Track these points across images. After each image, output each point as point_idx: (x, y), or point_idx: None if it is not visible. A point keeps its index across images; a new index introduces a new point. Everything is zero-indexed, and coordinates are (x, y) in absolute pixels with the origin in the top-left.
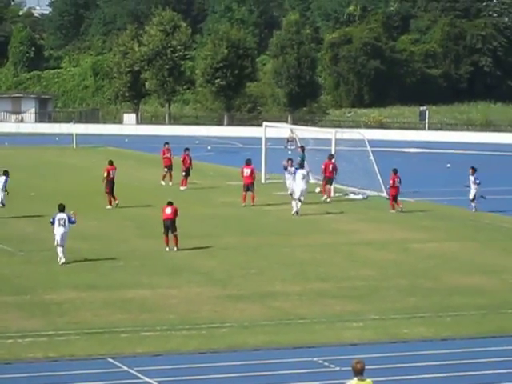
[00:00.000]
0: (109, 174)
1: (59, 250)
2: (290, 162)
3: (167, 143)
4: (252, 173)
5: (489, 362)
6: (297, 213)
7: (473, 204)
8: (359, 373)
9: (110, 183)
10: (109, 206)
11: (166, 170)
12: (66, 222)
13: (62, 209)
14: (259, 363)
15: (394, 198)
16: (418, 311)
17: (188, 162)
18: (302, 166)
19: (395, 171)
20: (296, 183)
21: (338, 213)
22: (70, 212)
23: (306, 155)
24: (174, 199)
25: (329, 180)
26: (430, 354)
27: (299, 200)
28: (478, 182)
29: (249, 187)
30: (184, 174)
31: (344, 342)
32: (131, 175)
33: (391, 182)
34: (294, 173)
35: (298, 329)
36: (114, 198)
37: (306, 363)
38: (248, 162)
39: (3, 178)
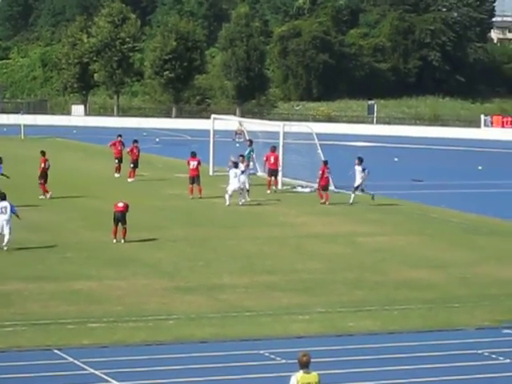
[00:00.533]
0: (45, 164)
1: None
2: (241, 158)
3: (120, 135)
4: (198, 165)
5: (435, 356)
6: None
7: (353, 194)
8: (305, 365)
9: (45, 174)
10: (41, 196)
11: (116, 161)
12: (8, 210)
13: (3, 197)
14: (206, 355)
15: (324, 189)
16: (364, 304)
17: (136, 153)
18: (248, 159)
19: (325, 163)
20: (230, 182)
21: (285, 206)
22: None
23: (255, 148)
24: (121, 191)
25: (273, 172)
26: (376, 347)
27: (241, 192)
28: (366, 171)
29: (195, 179)
30: (132, 165)
31: (290, 334)
32: (79, 166)
33: (320, 172)
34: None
35: (244, 321)
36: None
37: (252, 356)
38: (193, 155)
39: None
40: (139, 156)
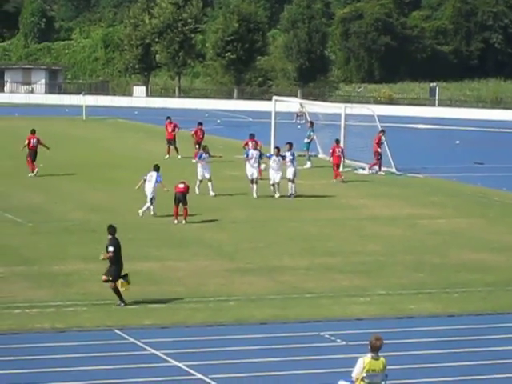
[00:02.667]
0: (29, 142)
1: (147, 205)
2: (276, 150)
3: (169, 117)
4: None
5: (495, 339)
6: (292, 195)
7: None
8: (376, 350)
9: (31, 151)
10: (31, 174)
11: (167, 143)
12: (153, 179)
13: (156, 168)
14: (266, 337)
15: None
16: (424, 287)
17: (200, 135)
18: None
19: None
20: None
21: (346, 188)
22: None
23: (315, 130)
24: (182, 172)
25: (338, 165)
26: (436, 329)
27: (292, 181)
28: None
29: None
30: (197, 146)
31: (350, 316)
32: (140, 148)
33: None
34: (284, 158)
35: (304, 303)
36: (33, 165)
37: (313, 337)
38: (252, 136)
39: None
40: (203, 138)
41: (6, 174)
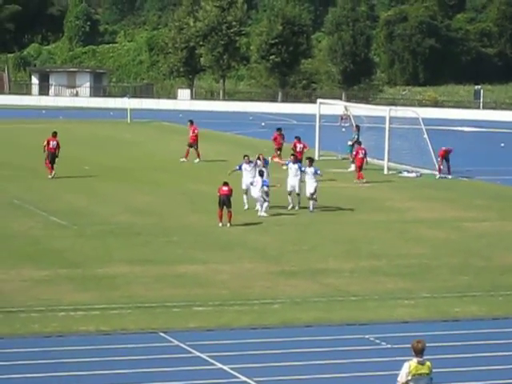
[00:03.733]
0: (48, 143)
1: (265, 204)
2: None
3: (191, 121)
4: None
5: None
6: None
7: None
8: (420, 352)
9: (50, 153)
10: (49, 176)
11: (188, 146)
12: (259, 184)
13: (261, 174)
14: (311, 339)
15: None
16: (469, 290)
17: (280, 141)
18: (358, 143)
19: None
20: (308, 179)
21: (390, 190)
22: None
23: (360, 133)
24: (227, 175)
25: (359, 167)
26: (481, 332)
27: (312, 198)
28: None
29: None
30: (278, 152)
31: (396, 319)
32: (184, 151)
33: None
34: (301, 169)
35: (349, 306)
36: (52, 168)
37: (358, 340)
38: (298, 138)
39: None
40: (283, 144)
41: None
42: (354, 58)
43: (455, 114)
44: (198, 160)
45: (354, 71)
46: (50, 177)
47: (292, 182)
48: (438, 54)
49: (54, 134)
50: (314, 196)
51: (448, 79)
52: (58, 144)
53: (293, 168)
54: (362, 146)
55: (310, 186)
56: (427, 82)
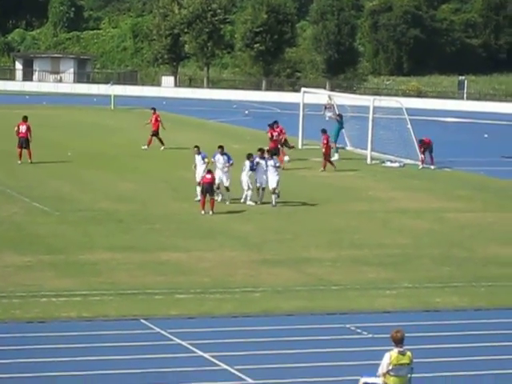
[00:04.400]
0: (18, 129)
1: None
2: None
3: (154, 108)
4: (279, 134)
5: None
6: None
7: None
8: (399, 342)
9: (20, 139)
10: (19, 161)
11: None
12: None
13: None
14: (292, 328)
15: (327, 157)
16: (451, 281)
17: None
18: (323, 131)
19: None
20: (269, 173)
21: (373, 180)
22: None
23: (343, 122)
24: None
25: (326, 156)
26: (462, 323)
27: (275, 193)
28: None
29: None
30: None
31: (377, 309)
32: (168, 138)
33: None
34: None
35: (331, 295)
36: (24, 153)
37: (339, 329)
38: (272, 125)
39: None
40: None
41: (34, 162)
42: (338, 47)
43: (439, 105)
44: (163, 147)
45: (338, 60)
46: (19, 162)
47: (260, 178)
48: (422, 44)
49: (25, 119)
50: (277, 190)
51: (432, 69)
52: (28, 128)
53: (262, 163)
54: (327, 134)
55: (272, 179)
56: (411, 72)
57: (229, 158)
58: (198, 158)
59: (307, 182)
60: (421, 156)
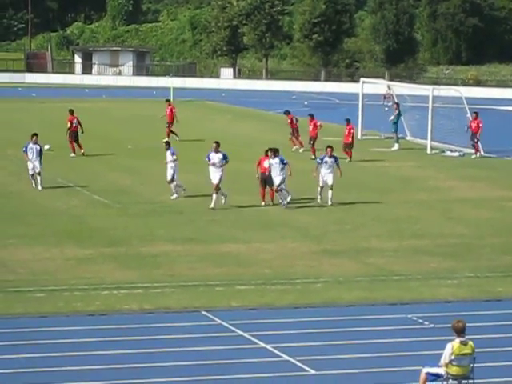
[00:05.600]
0: (71, 123)
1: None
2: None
3: (168, 100)
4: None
5: None
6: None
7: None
8: (461, 332)
9: (73, 133)
10: (72, 154)
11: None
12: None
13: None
14: (353, 319)
15: (350, 147)
16: None
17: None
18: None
19: (348, 121)
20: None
21: (434, 170)
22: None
23: (402, 111)
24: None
25: (348, 145)
26: None
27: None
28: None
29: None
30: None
31: (439, 299)
32: (228, 130)
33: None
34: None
35: (392, 285)
36: (79, 147)
37: (400, 320)
38: (348, 121)
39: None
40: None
41: (94, 155)
42: (397, 36)
43: (498, 93)
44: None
45: (396, 50)
46: (74, 155)
47: (276, 179)
48: (481, 32)
49: (71, 112)
50: (280, 187)
51: (491, 58)
52: (78, 121)
53: (274, 163)
54: (351, 123)
55: (277, 178)
56: (470, 61)
57: (224, 156)
58: (168, 153)
59: (367, 173)
60: (475, 145)
